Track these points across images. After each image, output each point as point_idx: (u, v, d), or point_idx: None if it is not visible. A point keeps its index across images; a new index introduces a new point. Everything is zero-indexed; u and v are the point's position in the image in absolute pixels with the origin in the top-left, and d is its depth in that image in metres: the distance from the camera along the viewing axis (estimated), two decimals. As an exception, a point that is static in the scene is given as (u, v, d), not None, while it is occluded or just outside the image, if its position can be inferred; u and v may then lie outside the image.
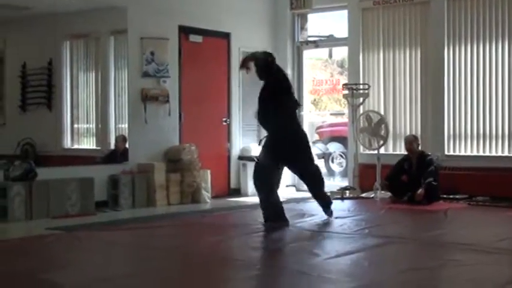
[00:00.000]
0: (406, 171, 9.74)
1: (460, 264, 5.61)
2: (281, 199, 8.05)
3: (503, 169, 9.84)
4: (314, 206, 9.27)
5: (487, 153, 10.16)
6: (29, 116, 9.87)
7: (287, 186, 11.60)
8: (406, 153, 9.98)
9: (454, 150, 10.42)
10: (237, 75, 11.22)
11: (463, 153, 10.35)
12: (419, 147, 9.96)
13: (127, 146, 9.91)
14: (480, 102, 10.23)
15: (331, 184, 12.32)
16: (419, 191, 9.36)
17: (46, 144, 9.87)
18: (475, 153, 10.25)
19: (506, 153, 10.02)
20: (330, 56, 16.80)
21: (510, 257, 6.05)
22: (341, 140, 13.32)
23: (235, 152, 11.20)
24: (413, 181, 9.56)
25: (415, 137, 10.00)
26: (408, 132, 10.66)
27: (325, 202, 8.19)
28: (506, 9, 10.01)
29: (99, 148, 10.32)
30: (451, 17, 10.41)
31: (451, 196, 9.80)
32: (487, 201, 9.57)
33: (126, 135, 9.94)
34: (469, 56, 10.32)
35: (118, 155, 9.93)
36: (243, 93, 11.30)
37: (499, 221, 8.18)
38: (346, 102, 11.52)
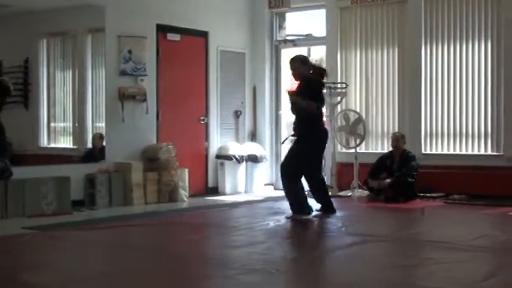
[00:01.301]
0: (388, 168, 9.74)
1: (437, 262, 5.61)
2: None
3: (479, 167, 9.89)
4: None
5: (464, 152, 10.20)
6: (5, 114, 9.67)
7: (265, 184, 11.59)
8: (385, 151, 10.00)
9: (431, 149, 10.45)
10: (215, 74, 11.18)
11: (439, 151, 10.39)
12: (404, 146, 9.98)
13: (104, 144, 9.83)
14: (457, 101, 10.27)
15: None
16: (386, 180, 9.38)
17: (22, 143, 9.77)
18: (451, 151, 10.30)
19: (482, 152, 10.07)
20: (309, 55, 16.83)
21: (486, 255, 6.07)
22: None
23: (213, 150, 11.16)
24: (392, 180, 9.56)
25: (402, 135, 10.01)
26: (386, 131, 10.69)
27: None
28: (483, 9, 10.05)
29: (76, 147, 10.23)
30: (428, 16, 10.44)
31: (428, 194, 9.83)
32: (464, 200, 9.61)
33: (104, 134, 9.86)
34: (445, 55, 10.36)
35: (96, 153, 9.85)
36: (221, 92, 11.26)
37: (475, 219, 8.21)
38: (324, 101, 11.51)
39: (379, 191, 9.59)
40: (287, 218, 8.01)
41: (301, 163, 8.06)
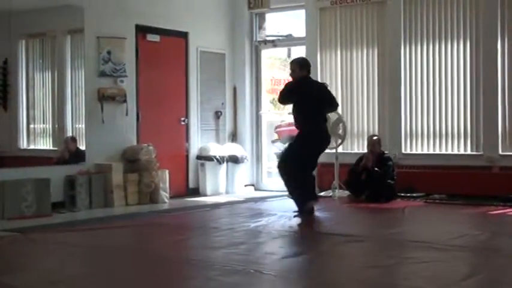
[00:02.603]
0: (364, 170, 9.78)
1: (417, 261, 5.65)
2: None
3: (459, 167, 9.96)
4: (273, 205, 9.32)
5: (444, 152, 10.26)
6: (-17, 116, 9.70)
7: (246, 185, 11.60)
8: (366, 151, 10.06)
9: (411, 149, 10.51)
10: (195, 75, 11.18)
11: (419, 151, 10.44)
12: (381, 148, 10.04)
13: (80, 146, 9.78)
14: (436, 101, 10.33)
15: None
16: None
17: (1, 144, 9.71)
18: (431, 151, 10.36)
19: (462, 151, 10.13)
20: (289, 55, 16.85)
21: (466, 254, 6.12)
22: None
23: (194, 151, 11.15)
24: (372, 180, 9.61)
25: (378, 140, 10.06)
26: (366, 131, 10.74)
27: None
28: (462, 9, 10.12)
29: (55, 148, 10.17)
30: (407, 16, 10.50)
31: (408, 194, 9.89)
32: (444, 199, 9.67)
33: (83, 135, 9.82)
34: (425, 55, 10.42)
35: (70, 157, 9.77)
36: (201, 92, 11.26)
37: (455, 219, 8.27)
38: (304, 102, 11.53)
39: (362, 192, 9.65)
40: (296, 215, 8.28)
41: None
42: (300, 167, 8.36)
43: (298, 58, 9.00)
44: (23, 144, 10.05)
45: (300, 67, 8.57)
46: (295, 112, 8.68)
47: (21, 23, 9.86)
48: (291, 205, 8.50)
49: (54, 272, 5.58)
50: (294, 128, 14.15)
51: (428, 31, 10.38)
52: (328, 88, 9.12)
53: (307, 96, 8.47)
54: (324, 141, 8.64)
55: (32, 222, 8.03)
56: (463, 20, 10.12)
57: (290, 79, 8.75)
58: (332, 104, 8.79)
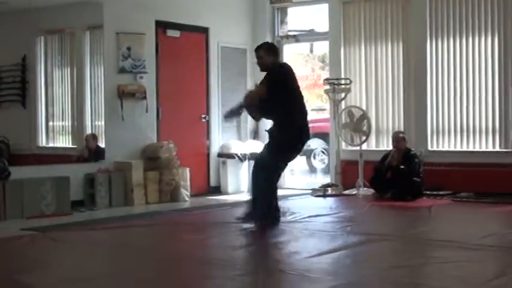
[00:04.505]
0: (390, 168, 9.74)
1: (444, 261, 5.61)
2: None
3: (487, 164, 9.88)
4: (295, 204, 9.31)
5: (471, 149, 10.19)
6: (2, 113, 9.78)
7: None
8: (391, 148, 10.01)
9: (437, 146, 10.45)
10: (215, 71, 11.19)
11: (446, 148, 10.38)
12: (406, 145, 9.98)
13: (100, 144, 9.83)
14: (463, 96, 10.27)
15: (313, 181, 12.37)
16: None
17: (20, 142, 9.79)
18: (458, 148, 10.29)
19: (490, 149, 10.06)
20: (311, 50, 16.83)
21: (494, 254, 6.07)
22: (323, 136, 13.31)
23: (215, 149, 11.16)
24: (397, 177, 9.57)
25: (403, 137, 10.00)
26: (391, 128, 10.69)
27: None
28: (489, 2, 10.04)
29: (75, 146, 10.24)
30: (433, 10, 10.44)
31: (435, 192, 9.83)
32: (471, 198, 9.60)
33: (103, 132, 9.87)
34: (451, 50, 10.35)
35: (90, 155, 9.83)
36: (222, 89, 11.26)
37: (483, 218, 8.21)
38: (327, 98, 11.53)
39: (387, 190, 9.62)
40: (240, 219, 7.61)
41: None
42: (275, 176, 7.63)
43: (262, 43, 8.01)
44: (42, 142, 10.12)
45: (267, 51, 7.63)
46: (277, 104, 7.44)
47: (40, 19, 9.93)
48: (314, 203, 8.49)
49: (74, 271, 5.62)
50: (316, 124, 14.29)
51: (455, 25, 10.30)
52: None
53: (289, 84, 7.54)
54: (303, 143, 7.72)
55: (51, 221, 8.09)
56: (491, 13, 10.03)
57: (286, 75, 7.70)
58: None
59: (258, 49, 7.70)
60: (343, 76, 10.98)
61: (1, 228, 7.82)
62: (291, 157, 7.82)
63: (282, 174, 8.40)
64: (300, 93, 7.69)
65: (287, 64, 7.98)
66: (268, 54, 7.61)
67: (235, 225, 7.63)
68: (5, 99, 9.84)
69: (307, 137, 7.73)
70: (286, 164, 7.87)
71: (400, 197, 9.37)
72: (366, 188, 10.23)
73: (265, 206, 7.47)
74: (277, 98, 7.33)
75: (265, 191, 7.49)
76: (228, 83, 11.35)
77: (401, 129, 10.52)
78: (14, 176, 8.48)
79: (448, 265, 5.46)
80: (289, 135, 7.49)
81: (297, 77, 7.74)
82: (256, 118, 8.09)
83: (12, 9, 9.62)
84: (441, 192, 9.84)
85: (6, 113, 9.81)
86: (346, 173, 10.70)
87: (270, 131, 7.67)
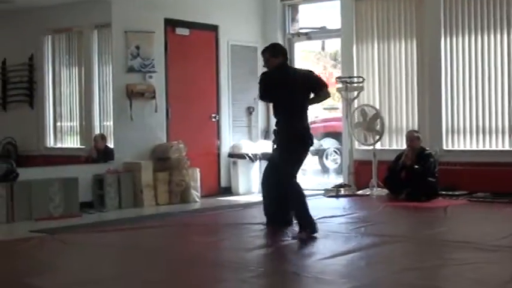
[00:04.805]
0: (404, 168, 9.72)
1: (461, 263, 5.60)
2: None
3: (503, 164, 9.84)
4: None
5: (487, 148, 10.15)
6: (9, 114, 9.83)
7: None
8: (404, 147, 9.99)
9: (452, 145, 10.41)
10: (226, 69, 11.19)
11: (462, 147, 10.34)
12: (421, 144, 9.96)
13: (109, 144, 9.85)
14: (479, 94, 10.23)
15: (326, 181, 12.35)
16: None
17: (28, 143, 9.84)
18: (474, 147, 10.25)
19: (506, 148, 10.02)
20: (323, 48, 16.80)
21: (512, 255, 6.06)
22: (335, 135, 13.32)
23: (225, 149, 11.17)
24: (412, 177, 9.55)
25: (417, 136, 9.97)
26: (405, 127, 10.66)
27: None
28: (505, -1, 10.03)
29: (83, 147, 10.27)
30: (447, 7, 10.40)
31: (450, 192, 9.80)
32: (488, 198, 9.56)
33: (111, 133, 9.89)
34: (466, 47, 10.32)
35: (98, 155, 9.86)
36: (233, 88, 11.27)
37: (500, 218, 8.18)
38: (339, 96, 11.52)
39: (401, 190, 9.60)
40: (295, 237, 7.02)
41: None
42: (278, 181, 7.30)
43: (268, 45, 7.74)
44: (50, 142, 10.17)
45: (273, 54, 7.40)
46: (275, 109, 7.47)
47: (47, 18, 9.98)
48: (327, 204, 8.47)
49: (83, 273, 5.63)
50: (328, 124, 14.28)
51: (470, 22, 10.26)
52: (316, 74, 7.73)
53: (289, 88, 7.26)
54: (307, 146, 7.41)
55: (60, 223, 8.11)
56: (506, 10, 9.99)
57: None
58: (322, 89, 7.40)
59: (264, 52, 7.52)
60: (355, 74, 10.97)
61: (9, 230, 7.87)
62: (298, 158, 7.40)
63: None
64: (289, 97, 7.25)
65: (267, 72, 7.47)
66: (275, 56, 7.38)
67: (247, 227, 7.64)
68: (12, 100, 9.89)
69: (303, 141, 7.32)
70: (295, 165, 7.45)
71: (415, 197, 9.35)
72: (379, 189, 10.21)
73: (307, 213, 7.09)
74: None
75: (296, 197, 7.18)
76: (239, 81, 11.36)
77: (416, 128, 10.50)
78: (21, 178, 8.50)
79: (465, 267, 5.45)
80: (287, 138, 7.28)
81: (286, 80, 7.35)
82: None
83: (19, 7, 9.67)
84: (457, 193, 9.81)
85: (13, 113, 9.86)
86: (359, 173, 10.69)
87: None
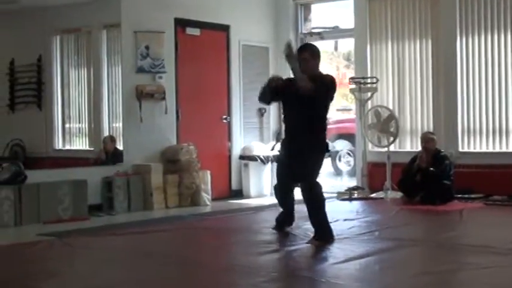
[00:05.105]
0: (419, 170, 9.70)
1: (477, 267, 5.58)
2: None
3: (521, 166, 9.83)
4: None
5: (504, 150, 10.13)
6: (17, 115, 9.88)
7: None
8: (420, 149, 9.98)
9: (468, 147, 10.39)
10: (237, 70, 11.20)
11: (478, 149, 10.32)
12: (436, 146, 9.93)
13: (118, 146, 9.88)
14: (496, 95, 10.20)
15: (339, 184, 12.34)
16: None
17: (36, 145, 9.87)
18: (491, 149, 10.23)
19: (524, 149, 10.02)
20: (336, 48, 16.82)
21: (530, 259, 6.03)
22: (348, 137, 13.32)
23: (236, 151, 11.17)
24: (427, 180, 9.53)
25: (432, 137, 9.93)
26: (420, 128, 10.64)
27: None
28: (522, -3, 9.99)
29: (92, 149, 10.30)
30: (463, 5, 10.38)
31: (466, 195, 9.77)
32: (505, 201, 9.54)
33: (121, 134, 9.91)
34: (482, 47, 10.29)
35: (107, 157, 9.88)
36: (244, 89, 11.27)
37: (517, 222, 8.17)
38: (353, 97, 11.51)
39: (416, 193, 9.57)
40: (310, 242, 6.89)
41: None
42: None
43: (306, 43, 7.19)
44: (59, 144, 10.20)
45: (312, 55, 7.10)
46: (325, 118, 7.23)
47: (55, 18, 10.01)
48: (340, 207, 8.47)
49: (92, 278, 5.64)
50: (341, 125, 14.27)
51: (486, 21, 10.24)
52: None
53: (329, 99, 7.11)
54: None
55: (68, 226, 8.14)
56: (524, 8, 9.99)
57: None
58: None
59: (303, 50, 7.16)
60: (369, 75, 10.95)
61: (17, 233, 7.91)
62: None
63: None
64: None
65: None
66: (314, 58, 7.08)
67: (259, 231, 7.64)
68: (20, 101, 9.93)
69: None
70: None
71: (430, 200, 9.32)
72: (393, 191, 10.19)
73: (326, 219, 7.01)
74: (315, 105, 6.97)
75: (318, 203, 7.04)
76: (250, 82, 11.35)
77: (431, 129, 10.47)
78: (30, 180, 8.53)
79: (481, 271, 5.43)
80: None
81: None
82: (266, 100, 7.80)
83: (27, 8, 9.71)
84: (473, 196, 9.78)
85: (21, 115, 9.90)
86: (373, 176, 10.67)
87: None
